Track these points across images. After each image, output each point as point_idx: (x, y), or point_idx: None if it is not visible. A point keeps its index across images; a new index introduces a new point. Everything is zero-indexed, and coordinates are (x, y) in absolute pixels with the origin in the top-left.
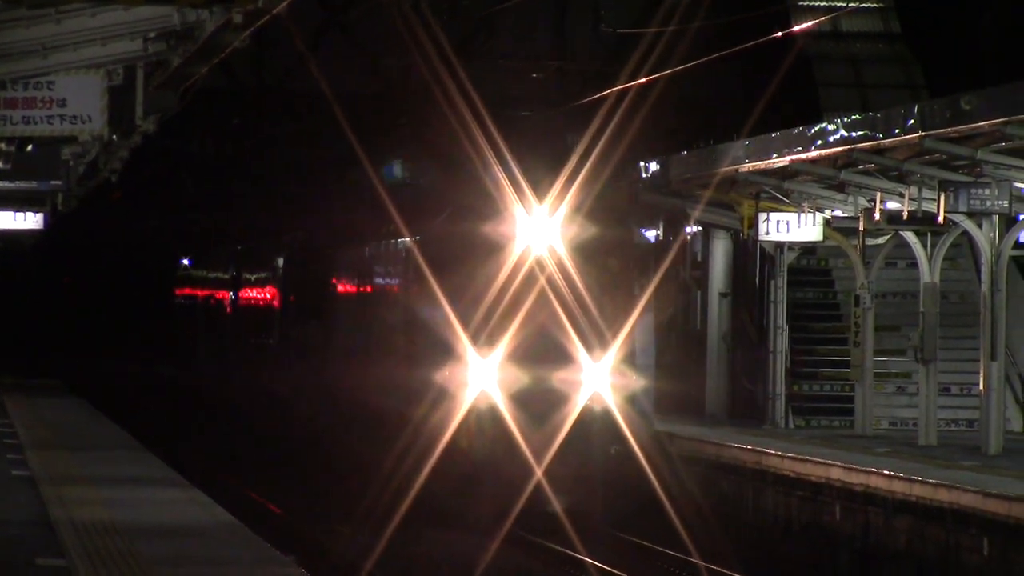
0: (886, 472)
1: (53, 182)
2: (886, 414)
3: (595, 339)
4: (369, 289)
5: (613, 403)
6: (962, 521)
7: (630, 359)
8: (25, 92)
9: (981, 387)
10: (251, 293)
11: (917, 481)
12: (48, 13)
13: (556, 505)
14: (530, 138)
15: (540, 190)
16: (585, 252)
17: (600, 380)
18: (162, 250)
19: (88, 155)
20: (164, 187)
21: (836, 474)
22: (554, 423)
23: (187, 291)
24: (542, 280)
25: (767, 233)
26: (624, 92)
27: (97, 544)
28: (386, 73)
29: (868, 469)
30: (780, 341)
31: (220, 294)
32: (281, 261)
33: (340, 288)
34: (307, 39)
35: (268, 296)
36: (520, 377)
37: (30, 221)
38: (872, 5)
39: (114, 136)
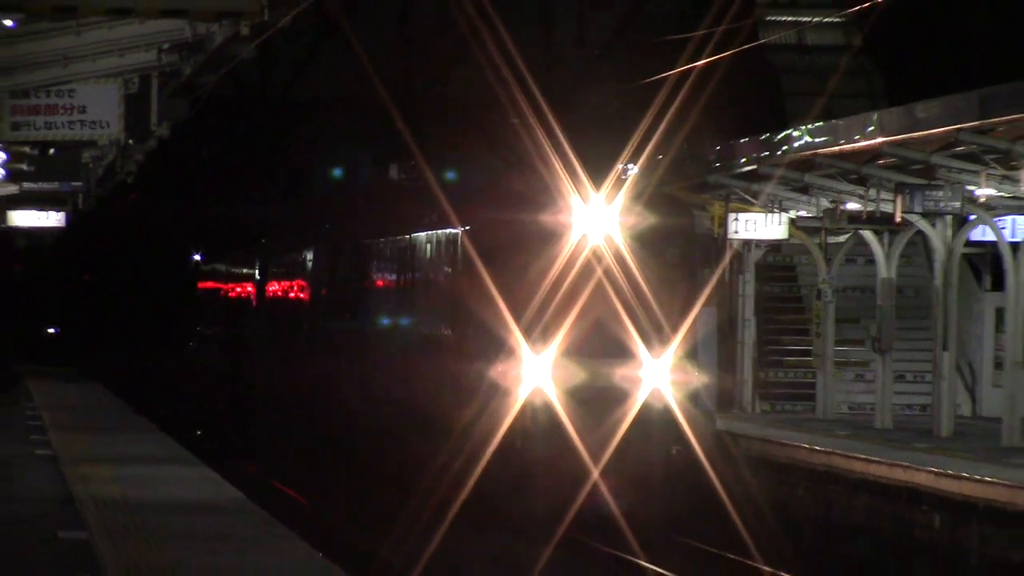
0: (846, 453)
1: (74, 183)
2: (845, 399)
3: (654, 333)
4: (412, 281)
5: (673, 401)
6: (916, 499)
7: (691, 355)
8: (47, 99)
9: (933, 375)
10: (281, 286)
11: (875, 461)
12: (69, 25)
13: (614, 507)
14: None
15: (596, 178)
16: (644, 242)
17: (660, 376)
18: (188, 245)
19: (106, 158)
20: (180, 187)
21: (802, 455)
22: (612, 421)
23: (210, 284)
24: (599, 271)
25: (736, 232)
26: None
27: (116, 519)
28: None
29: (829, 450)
30: (747, 332)
31: (245, 287)
32: (312, 253)
33: (379, 280)
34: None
35: (300, 290)
36: (576, 373)
37: (52, 219)
38: (835, 19)
39: (130, 140)
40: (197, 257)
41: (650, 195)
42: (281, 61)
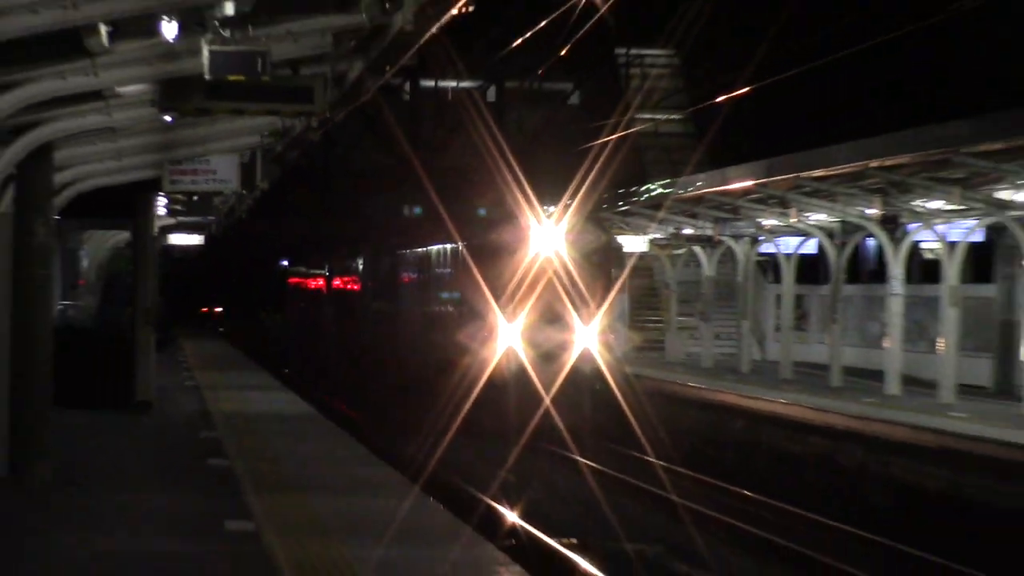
0: (685, 383)
1: (208, 217)
2: (684, 350)
3: (585, 311)
4: (428, 277)
5: (598, 354)
6: (727, 411)
7: (610, 325)
8: (193, 165)
9: (737, 334)
10: (342, 280)
11: (702, 388)
12: (206, 120)
13: (559, 423)
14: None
15: (548, 210)
16: (578, 251)
17: (589, 338)
18: (281, 255)
19: (229, 202)
20: (275, 218)
21: (660, 385)
22: (557, 367)
23: (296, 280)
24: (550, 270)
25: (621, 246)
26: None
27: (233, 422)
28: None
29: (675, 381)
30: (625, 309)
31: (319, 280)
32: (362, 259)
33: (405, 277)
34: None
35: (355, 283)
36: (535, 335)
37: (195, 240)
38: (676, 118)
39: (243, 191)
40: (285, 262)
41: (582, 221)
42: (338, 142)
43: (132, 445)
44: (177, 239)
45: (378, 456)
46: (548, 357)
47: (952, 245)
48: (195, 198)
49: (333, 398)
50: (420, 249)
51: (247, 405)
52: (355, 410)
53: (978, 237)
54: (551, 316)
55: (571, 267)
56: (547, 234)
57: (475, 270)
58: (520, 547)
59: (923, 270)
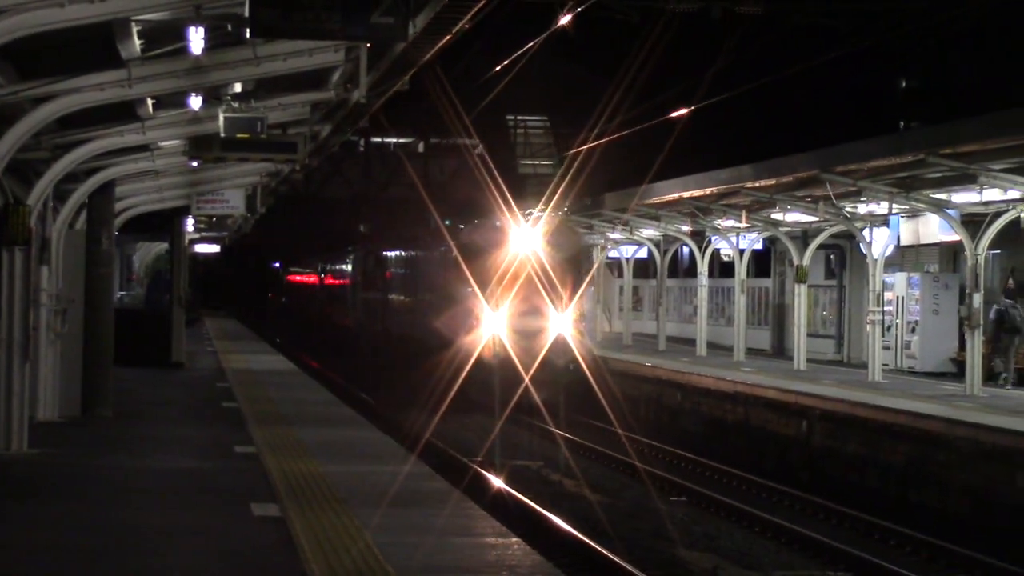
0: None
1: (223, 232)
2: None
3: (560, 301)
4: (417, 274)
5: (571, 339)
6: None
7: (581, 314)
8: (212, 197)
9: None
10: (334, 277)
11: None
12: (221, 164)
13: (536, 398)
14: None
15: (528, 214)
16: (554, 250)
17: (564, 325)
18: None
19: (238, 222)
20: (270, 232)
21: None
22: (536, 350)
23: (295, 278)
24: (530, 266)
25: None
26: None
27: (241, 377)
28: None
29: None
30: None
31: (314, 276)
32: (352, 259)
33: (388, 273)
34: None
35: (346, 277)
36: (517, 322)
37: (214, 248)
38: (548, 163)
39: (248, 214)
40: (277, 264)
41: (558, 224)
42: (313, 180)
43: (168, 393)
44: (201, 248)
45: (342, 400)
46: (527, 340)
47: (741, 251)
48: (214, 219)
49: (317, 359)
50: (383, 253)
51: (250, 364)
52: (334, 369)
53: (759, 246)
54: (531, 306)
55: (548, 264)
56: (528, 235)
57: (465, 268)
58: (444, 465)
59: (721, 268)
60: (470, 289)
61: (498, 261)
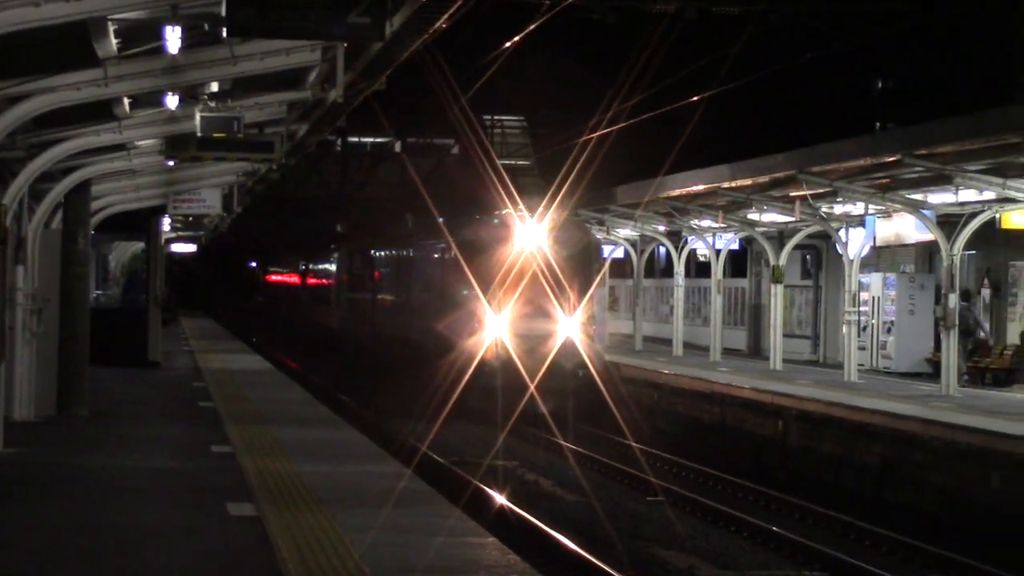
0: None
1: (199, 232)
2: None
3: (567, 303)
4: (407, 273)
5: (580, 344)
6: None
7: (591, 316)
8: (189, 196)
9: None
10: (317, 276)
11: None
12: (198, 164)
13: (543, 408)
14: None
15: (532, 210)
16: (560, 247)
17: (572, 329)
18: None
19: (214, 222)
20: (246, 232)
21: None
22: (542, 356)
23: (274, 277)
24: (534, 265)
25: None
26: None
27: (218, 376)
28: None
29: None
30: None
31: (294, 276)
32: (336, 257)
33: (376, 273)
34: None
35: (329, 276)
36: (521, 326)
37: (191, 247)
38: (525, 163)
39: (224, 213)
40: (257, 263)
41: (563, 220)
42: (290, 179)
43: (145, 392)
44: (178, 247)
45: (319, 400)
46: (533, 345)
47: (718, 251)
48: (190, 219)
49: (285, 356)
50: (372, 251)
51: (226, 364)
52: (300, 363)
53: (735, 246)
54: (536, 308)
55: (554, 263)
56: (532, 232)
57: (465, 267)
58: (421, 464)
59: (698, 268)
60: (471, 289)
61: (501, 259)
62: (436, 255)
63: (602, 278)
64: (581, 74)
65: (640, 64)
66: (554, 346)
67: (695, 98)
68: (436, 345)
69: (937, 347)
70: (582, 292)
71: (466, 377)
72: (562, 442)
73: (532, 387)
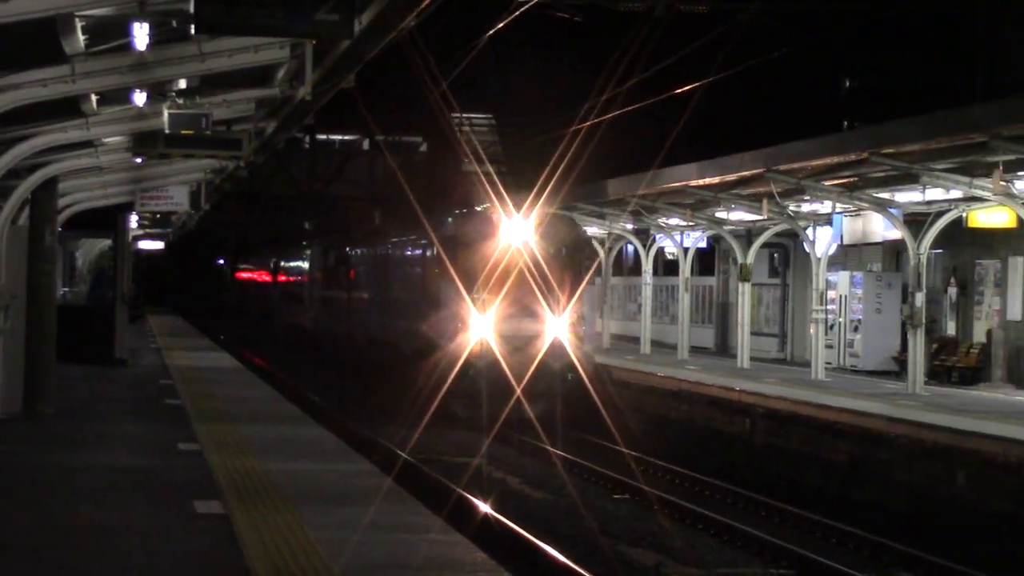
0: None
1: (167, 229)
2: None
3: (555, 303)
4: (385, 272)
5: (569, 346)
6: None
7: (581, 316)
8: (156, 193)
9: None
10: (288, 273)
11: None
12: (166, 161)
13: (530, 413)
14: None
15: (518, 205)
16: (547, 244)
17: (560, 329)
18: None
19: (182, 219)
20: (213, 229)
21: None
22: (529, 358)
23: (244, 275)
24: (520, 263)
25: None
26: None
27: (185, 373)
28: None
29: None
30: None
31: (265, 273)
32: (309, 254)
33: (351, 273)
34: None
35: (301, 274)
36: (507, 327)
37: (158, 245)
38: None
39: (192, 210)
40: (225, 260)
41: (550, 216)
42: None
43: (111, 389)
44: (145, 244)
45: (287, 398)
46: (519, 347)
47: (686, 250)
48: (158, 216)
49: (248, 352)
50: (347, 248)
51: (194, 361)
52: (266, 359)
53: (703, 244)
54: (522, 308)
55: (541, 260)
56: (518, 228)
57: (449, 265)
58: (385, 461)
59: (666, 266)
60: (454, 287)
61: (487, 256)
62: (417, 251)
63: (592, 276)
64: (552, 72)
65: (610, 62)
66: (541, 347)
67: (663, 96)
68: (417, 346)
69: (904, 347)
70: (571, 291)
71: (449, 380)
72: (530, 440)
73: (519, 390)
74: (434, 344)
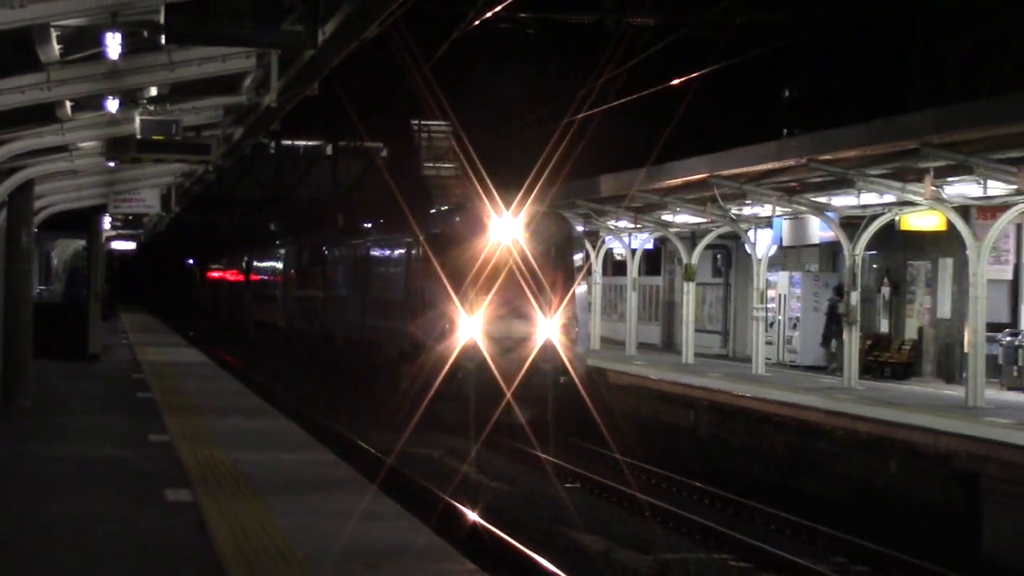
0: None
1: (139, 230)
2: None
3: (546, 303)
4: (366, 271)
5: (561, 348)
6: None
7: (572, 317)
8: (129, 196)
9: None
10: (262, 272)
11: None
12: (138, 165)
13: (520, 418)
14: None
15: (508, 202)
16: (537, 242)
17: (551, 331)
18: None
19: (153, 220)
20: (183, 231)
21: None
22: (519, 361)
23: (215, 274)
24: (510, 262)
25: None
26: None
27: (156, 368)
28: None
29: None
30: None
31: (234, 274)
32: (283, 253)
33: (331, 272)
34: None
35: (275, 273)
36: (496, 329)
37: (131, 245)
38: (451, 166)
39: (163, 213)
40: (196, 260)
41: (540, 213)
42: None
43: (85, 384)
44: (118, 245)
45: (254, 392)
46: (509, 350)
47: (633, 251)
48: (130, 217)
49: (213, 347)
50: (324, 248)
51: (165, 357)
52: (232, 354)
53: (650, 245)
54: (512, 309)
55: (532, 259)
56: (507, 225)
57: (436, 264)
58: (348, 453)
59: (614, 267)
60: (441, 287)
61: (475, 254)
62: (402, 250)
63: (584, 275)
64: (504, 83)
65: (555, 73)
66: (532, 350)
67: (611, 104)
68: (401, 348)
69: (824, 340)
70: (564, 291)
71: (436, 384)
72: (498, 438)
73: (509, 394)
74: (420, 346)
